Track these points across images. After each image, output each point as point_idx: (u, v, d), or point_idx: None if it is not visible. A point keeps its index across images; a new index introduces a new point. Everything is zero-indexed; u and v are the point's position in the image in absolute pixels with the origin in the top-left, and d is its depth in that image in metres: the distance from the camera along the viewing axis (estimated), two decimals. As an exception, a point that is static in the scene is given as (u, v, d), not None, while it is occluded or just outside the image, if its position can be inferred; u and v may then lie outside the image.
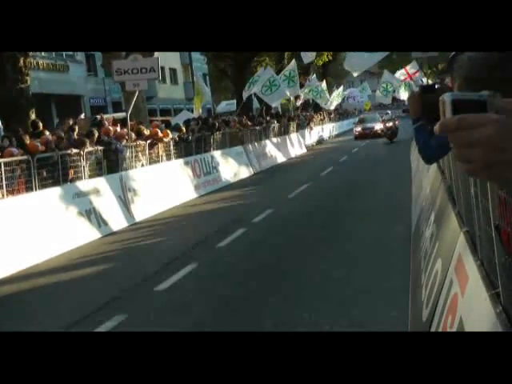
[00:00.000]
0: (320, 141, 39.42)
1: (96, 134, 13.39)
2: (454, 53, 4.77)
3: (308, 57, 19.80)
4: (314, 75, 38.80)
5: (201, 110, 23.43)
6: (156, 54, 22.91)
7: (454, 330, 3.18)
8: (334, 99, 41.94)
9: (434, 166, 8.18)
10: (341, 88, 44.24)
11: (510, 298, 2.54)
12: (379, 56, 18.90)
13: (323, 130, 42.20)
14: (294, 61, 30.19)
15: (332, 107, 43.71)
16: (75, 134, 13.33)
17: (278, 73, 33.01)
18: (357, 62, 19.16)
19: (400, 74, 36.39)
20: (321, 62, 46.95)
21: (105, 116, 20.27)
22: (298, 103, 37.91)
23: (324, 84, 38.49)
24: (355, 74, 23.53)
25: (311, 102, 40.14)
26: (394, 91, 36.64)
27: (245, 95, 28.41)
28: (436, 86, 4.42)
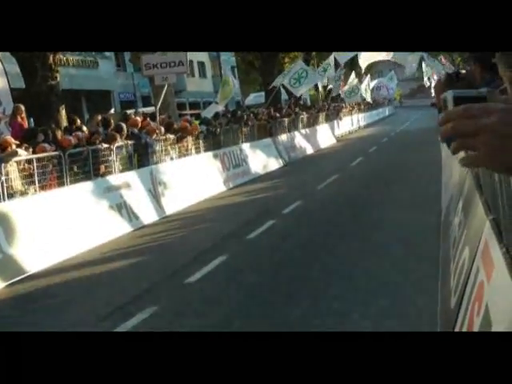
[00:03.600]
0: (350, 131, 39.29)
1: (125, 129, 13.52)
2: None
3: (342, 59, 19.76)
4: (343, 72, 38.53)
5: (224, 103, 23.50)
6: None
7: (480, 317, 3.19)
8: (367, 91, 41.56)
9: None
10: (367, 78, 43.89)
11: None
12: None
13: (353, 121, 41.99)
14: (332, 56, 30.39)
15: (369, 99, 43.34)
16: (110, 128, 13.47)
17: (305, 63, 32.94)
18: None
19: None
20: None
21: (132, 111, 20.46)
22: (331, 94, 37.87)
23: (355, 79, 38.19)
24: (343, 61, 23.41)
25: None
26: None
27: (275, 83, 28.50)
28: (460, 75, 4.42)
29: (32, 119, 15.57)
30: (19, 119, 13.20)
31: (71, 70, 32.12)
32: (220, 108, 24.01)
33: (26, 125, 13.00)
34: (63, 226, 10.42)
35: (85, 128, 13.43)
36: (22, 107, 13.41)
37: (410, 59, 37.50)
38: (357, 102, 42.59)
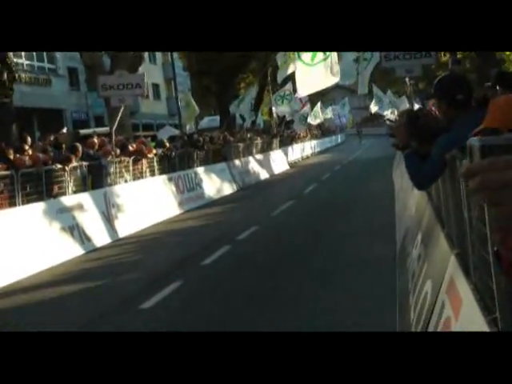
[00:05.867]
0: (303, 157, 39.60)
1: (80, 150, 13.33)
2: (438, 78, 4.81)
3: (304, 91, 20.06)
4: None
5: (190, 122, 23.56)
6: (141, 70, 22.93)
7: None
8: (313, 117, 42.05)
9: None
10: (318, 105, 44.43)
11: (509, 323, 2.54)
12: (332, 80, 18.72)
13: (305, 147, 42.36)
14: (289, 85, 30.72)
15: (313, 123, 43.87)
16: (63, 150, 13.26)
17: (261, 89, 33.18)
18: (308, 81, 19.06)
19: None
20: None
21: (88, 131, 20.20)
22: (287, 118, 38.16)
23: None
24: (303, 95, 23.67)
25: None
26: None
27: (232, 110, 28.68)
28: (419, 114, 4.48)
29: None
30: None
31: (23, 87, 31.58)
32: (174, 131, 23.99)
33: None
34: (13, 247, 10.16)
35: (30, 151, 13.08)
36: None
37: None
38: (310, 128, 43.04)
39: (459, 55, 25.19)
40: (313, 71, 18.28)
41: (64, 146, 13.68)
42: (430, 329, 4.00)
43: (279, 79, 31.40)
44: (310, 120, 39.05)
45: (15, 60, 21.98)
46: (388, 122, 29.60)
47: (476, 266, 3.42)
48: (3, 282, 9.55)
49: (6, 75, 15.58)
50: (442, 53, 33.28)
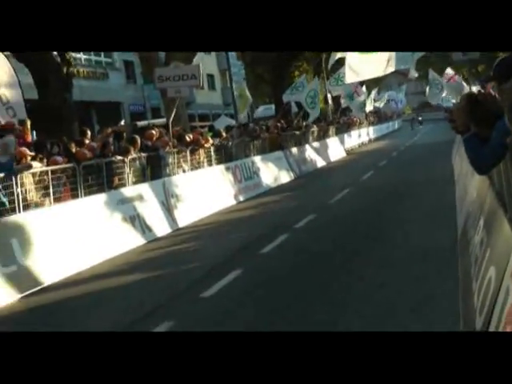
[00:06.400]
0: (360, 144, 39.29)
1: (139, 141, 13.53)
2: (497, 60, 4.70)
3: (350, 77, 19.85)
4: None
5: (244, 113, 23.67)
6: (196, 61, 23.11)
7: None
8: (368, 104, 41.56)
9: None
10: (374, 92, 43.87)
11: None
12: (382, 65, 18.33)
13: (362, 134, 41.97)
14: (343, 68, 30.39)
15: (367, 110, 43.35)
16: (124, 140, 13.50)
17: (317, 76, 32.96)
18: (356, 68, 18.72)
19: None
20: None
21: (145, 123, 20.42)
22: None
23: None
24: (349, 81, 23.29)
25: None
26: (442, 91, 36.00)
27: (285, 98, 28.62)
28: (479, 97, 4.39)
29: (35, 133, 15.46)
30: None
31: (82, 81, 32.20)
32: (230, 121, 24.09)
33: (29, 138, 12.94)
34: (77, 238, 10.42)
35: (93, 143, 13.38)
36: (28, 121, 13.33)
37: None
38: (367, 115, 42.61)
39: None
40: (361, 59, 18.06)
41: (125, 136, 13.92)
42: (495, 315, 3.95)
43: (329, 65, 31.17)
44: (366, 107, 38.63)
45: (73, 55, 22.44)
46: (445, 106, 29.02)
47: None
48: (69, 272, 9.82)
49: (65, 70, 15.91)
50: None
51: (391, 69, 18.15)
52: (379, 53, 17.37)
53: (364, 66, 18.21)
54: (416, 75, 32.01)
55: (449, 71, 33.82)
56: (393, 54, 17.64)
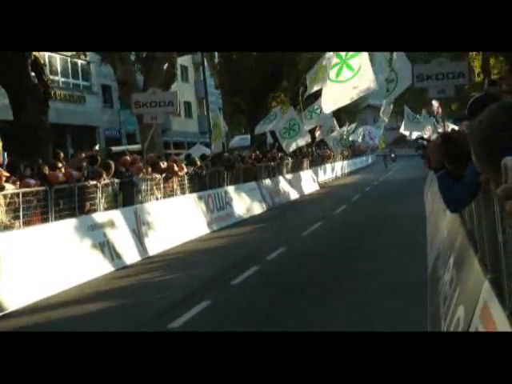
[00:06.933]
0: (334, 178, 39.51)
1: (113, 167, 13.45)
2: (472, 99, 4.75)
3: (328, 107, 19.90)
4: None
5: (217, 144, 23.64)
6: (173, 87, 23.15)
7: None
8: (344, 137, 41.85)
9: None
10: (351, 125, 44.27)
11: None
12: (353, 94, 18.70)
13: (336, 168, 42.25)
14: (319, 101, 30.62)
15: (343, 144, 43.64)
16: (97, 165, 13.40)
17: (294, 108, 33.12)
18: (332, 98, 18.98)
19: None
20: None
21: (119, 148, 20.33)
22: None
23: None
24: (327, 111, 23.54)
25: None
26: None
27: (257, 130, 28.72)
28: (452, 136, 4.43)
29: (5, 154, 15.24)
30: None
31: (58, 104, 32.06)
32: (206, 150, 24.09)
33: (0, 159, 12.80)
34: (45, 263, 10.25)
35: (63, 169, 13.24)
36: (0, 143, 13.16)
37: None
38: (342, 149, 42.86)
39: (494, 76, 24.98)
40: (337, 88, 18.31)
41: (99, 160, 13.83)
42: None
43: (305, 97, 31.34)
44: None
45: (51, 77, 22.34)
46: (420, 141, 29.29)
47: (511, 291, 3.36)
48: (33, 299, 9.61)
49: (42, 92, 15.81)
50: (476, 73, 33.06)
51: (360, 94, 18.60)
52: (350, 81, 17.72)
53: (338, 94, 18.46)
54: (386, 120, 32.17)
55: (434, 103, 34.25)
56: (367, 82, 17.99)
